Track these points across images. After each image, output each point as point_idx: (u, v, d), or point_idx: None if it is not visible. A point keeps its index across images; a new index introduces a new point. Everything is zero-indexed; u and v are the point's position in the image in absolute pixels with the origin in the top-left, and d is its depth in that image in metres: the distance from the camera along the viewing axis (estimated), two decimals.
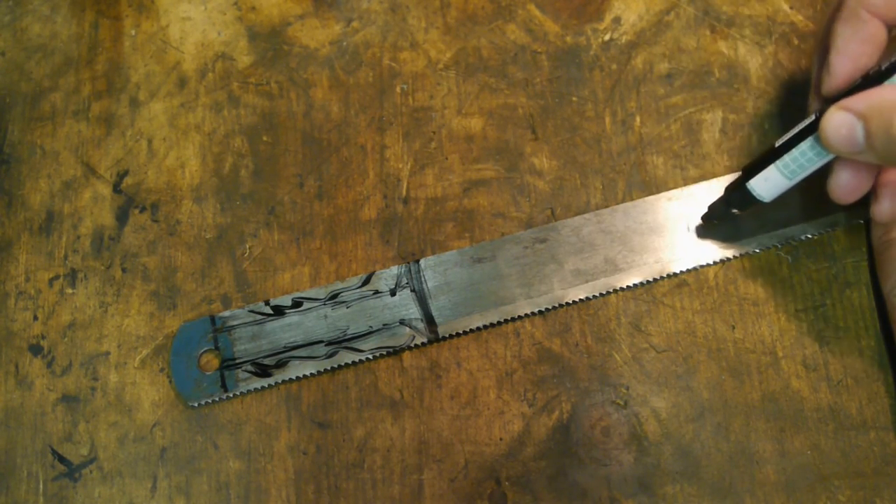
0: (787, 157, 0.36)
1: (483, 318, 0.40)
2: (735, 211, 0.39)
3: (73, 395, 0.40)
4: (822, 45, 0.37)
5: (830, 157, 0.35)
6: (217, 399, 0.39)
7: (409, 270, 0.40)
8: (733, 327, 0.40)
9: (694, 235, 0.41)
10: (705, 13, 0.45)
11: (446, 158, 0.43)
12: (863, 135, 0.33)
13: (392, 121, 0.44)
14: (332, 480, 0.38)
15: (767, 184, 0.37)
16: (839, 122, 0.33)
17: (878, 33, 0.35)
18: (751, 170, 0.38)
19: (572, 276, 0.40)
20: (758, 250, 0.41)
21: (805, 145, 0.35)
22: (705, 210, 0.40)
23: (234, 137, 0.44)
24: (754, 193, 0.37)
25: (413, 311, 0.40)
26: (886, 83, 0.33)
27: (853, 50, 0.35)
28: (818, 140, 0.35)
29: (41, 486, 0.39)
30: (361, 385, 0.40)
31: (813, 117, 0.35)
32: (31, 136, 0.45)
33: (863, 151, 0.33)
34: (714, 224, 0.41)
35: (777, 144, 0.37)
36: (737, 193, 0.38)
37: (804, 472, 0.38)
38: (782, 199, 0.41)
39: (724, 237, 0.41)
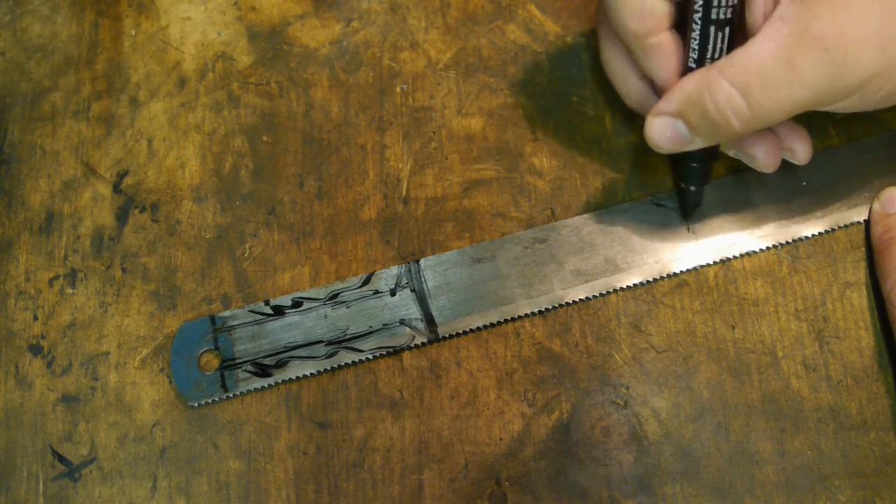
0: None
1: (483, 318, 0.40)
2: (693, 188, 0.40)
3: (73, 395, 0.40)
4: (618, 68, 0.40)
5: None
6: (217, 399, 0.39)
7: (409, 270, 0.40)
8: (733, 327, 0.40)
9: (694, 235, 0.41)
10: None
11: (446, 158, 0.43)
12: (686, 129, 0.35)
13: (392, 121, 0.44)
14: (332, 480, 0.38)
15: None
16: (661, 127, 0.36)
17: (671, 41, 0.36)
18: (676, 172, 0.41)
19: (572, 276, 0.40)
20: (758, 250, 0.41)
21: None
22: (686, 213, 0.41)
23: (234, 137, 0.44)
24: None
25: (413, 311, 0.40)
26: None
27: (671, 71, 0.37)
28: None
29: (41, 486, 0.39)
30: (361, 385, 0.40)
31: None
32: (31, 136, 0.45)
33: (692, 141, 0.36)
34: (698, 207, 0.41)
35: None
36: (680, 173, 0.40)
37: (804, 472, 0.38)
38: (783, 199, 0.41)
39: (724, 234, 0.41)
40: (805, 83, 0.33)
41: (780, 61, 0.33)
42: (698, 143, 0.36)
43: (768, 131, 0.38)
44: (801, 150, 0.39)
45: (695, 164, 0.39)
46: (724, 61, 0.34)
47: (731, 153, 0.40)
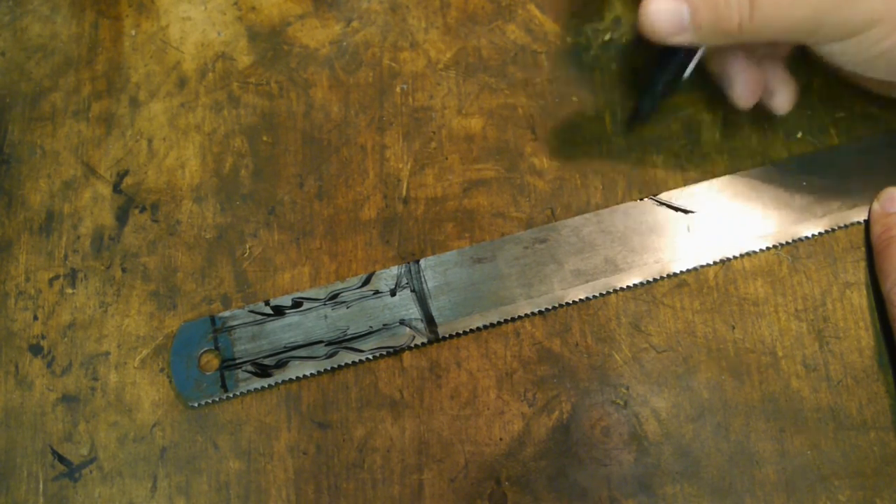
0: None
1: (483, 318, 0.40)
2: (655, 96, 0.41)
3: (73, 395, 0.40)
4: None
5: None
6: (217, 399, 0.39)
7: (409, 270, 0.40)
8: (733, 327, 0.40)
9: (694, 235, 0.41)
10: None
11: (446, 158, 0.43)
12: (688, 17, 0.36)
13: (392, 121, 0.44)
14: (332, 480, 0.38)
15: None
16: (663, 9, 0.36)
17: None
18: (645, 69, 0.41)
19: (572, 276, 0.40)
20: (758, 250, 0.41)
21: None
22: (634, 123, 0.42)
23: (234, 137, 0.44)
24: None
25: (413, 311, 0.40)
26: None
27: None
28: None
29: (41, 486, 0.39)
30: (361, 385, 0.40)
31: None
32: (31, 136, 0.45)
33: (687, 32, 0.36)
34: (646, 122, 0.42)
35: None
36: (661, 64, 0.40)
37: (804, 472, 0.38)
38: (783, 199, 0.41)
39: (724, 234, 0.41)
40: (809, 1, 0.34)
41: None
42: (689, 38, 0.36)
43: (756, 66, 0.39)
44: (781, 96, 0.40)
45: (669, 75, 0.40)
46: None
47: (715, 69, 0.41)
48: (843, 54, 0.36)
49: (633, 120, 0.42)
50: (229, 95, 0.45)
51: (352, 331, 0.39)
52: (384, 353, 0.39)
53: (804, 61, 0.42)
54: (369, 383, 0.40)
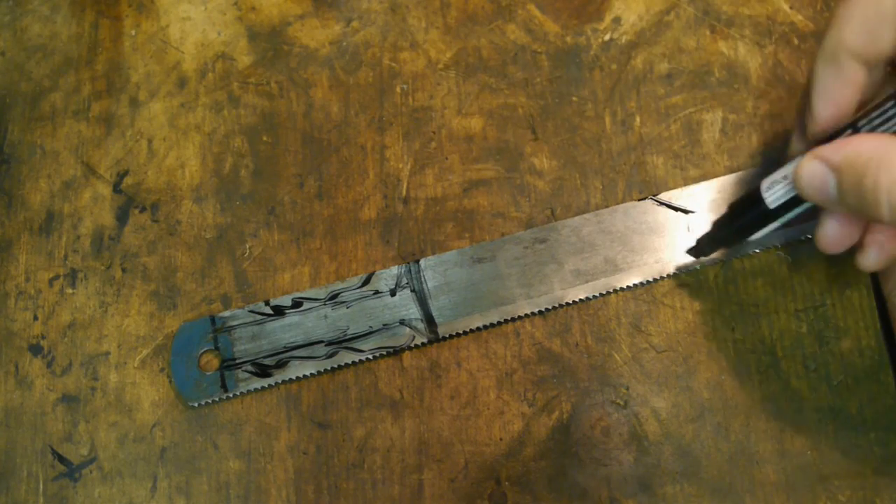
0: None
1: (483, 318, 0.40)
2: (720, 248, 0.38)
3: (73, 395, 0.40)
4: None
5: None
6: (217, 399, 0.39)
7: (409, 270, 0.40)
8: (733, 327, 0.40)
9: (694, 235, 0.41)
10: (705, 13, 0.45)
11: (446, 158, 0.43)
12: (835, 187, 0.32)
13: (392, 121, 0.44)
14: (332, 480, 0.38)
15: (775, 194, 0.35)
16: (812, 172, 0.33)
17: (857, 76, 0.33)
18: (738, 205, 0.37)
19: (572, 276, 0.40)
20: (758, 250, 0.41)
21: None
22: (696, 243, 0.39)
23: (234, 137, 0.44)
24: (766, 199, 0.35)
25: (413, 311, 0.40)
26: (866, 129, 0.32)
27: (834, 93, 0.33)
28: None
29: (41, 486, 0.39)
30: (361, 385, 0.40)
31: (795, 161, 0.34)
32: (31, 136, 0.45)
33: (835, 203, 0.32)
34: (698, 254, 0.39)
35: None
36: (748, 211, 0.36)
37: (804, 472, 0.38)
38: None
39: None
40: None
41: None
42: (838, 208, 0.33)
43: (857, 222, 0.35)
44: (871, 255, 0.35)
45: (741, 230, 0.37)
46: None
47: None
48: None
49: (691, 250, 0.39)
50: (229, 95, 0.45)
51: (352, 331, 0.39)
52: (384, 353, 0.39)
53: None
54: (369, 383, 0.40)
